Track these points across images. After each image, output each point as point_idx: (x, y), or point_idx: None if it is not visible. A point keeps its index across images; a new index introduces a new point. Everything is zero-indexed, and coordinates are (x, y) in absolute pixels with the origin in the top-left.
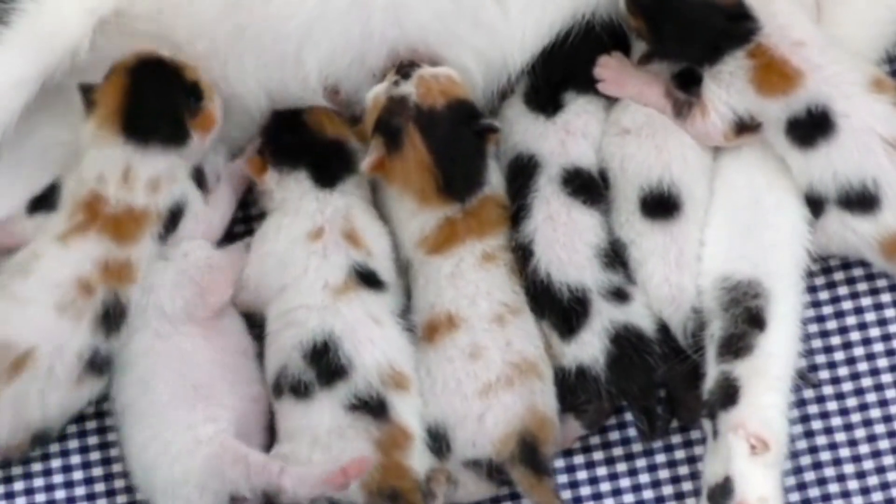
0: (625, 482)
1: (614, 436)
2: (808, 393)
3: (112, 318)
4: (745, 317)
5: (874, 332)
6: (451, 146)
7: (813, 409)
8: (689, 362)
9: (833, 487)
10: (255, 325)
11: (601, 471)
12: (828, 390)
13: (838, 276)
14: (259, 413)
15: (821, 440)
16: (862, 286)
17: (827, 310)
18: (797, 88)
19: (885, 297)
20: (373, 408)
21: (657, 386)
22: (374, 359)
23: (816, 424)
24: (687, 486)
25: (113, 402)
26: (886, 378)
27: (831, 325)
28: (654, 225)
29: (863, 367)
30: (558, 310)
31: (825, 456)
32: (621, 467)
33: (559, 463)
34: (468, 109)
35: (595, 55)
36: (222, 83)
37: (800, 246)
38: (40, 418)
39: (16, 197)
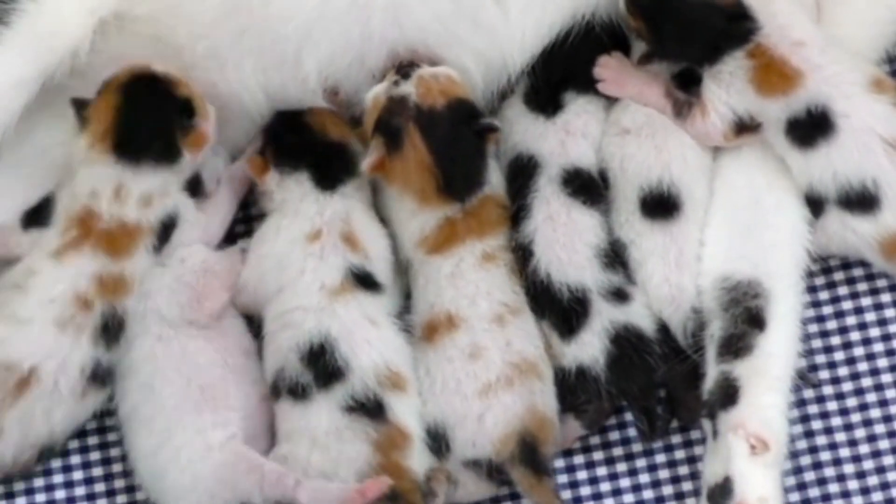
0: (625, 482)
1: (614, 436)
2: (808, 393)
3: (111, 329)
4: (745, 317)
5: (874, 332)
6: (451, 146)
7: (813, 409)
8: (689, 362)
9: (833, 487)
10: (254, 324)
11: (601, 471)
12: (828, 390)
13: (838, 276)
14: (265, 412)
15: (821, 440)
16: (862, 286)
17: (827, 310)
18: (797, 88)
19: (885, 297)
20: (370, 409)
21: (657, 386)
22: (370, 360)
23: (816, 424)
24: (687, 486)
25: (117, 409)
26: (886, 378)
27: (831, 325)
28: (654, 225)
29: (863, 367)
30: (558, 310)
31: (825, 456)
32: (621, 467)
33: (559, 463)
34: (468, 109)
35: (595, 55)
36: (222, 84)
37: (800, 246)
38: (47, 434)
39: (16, 197)
